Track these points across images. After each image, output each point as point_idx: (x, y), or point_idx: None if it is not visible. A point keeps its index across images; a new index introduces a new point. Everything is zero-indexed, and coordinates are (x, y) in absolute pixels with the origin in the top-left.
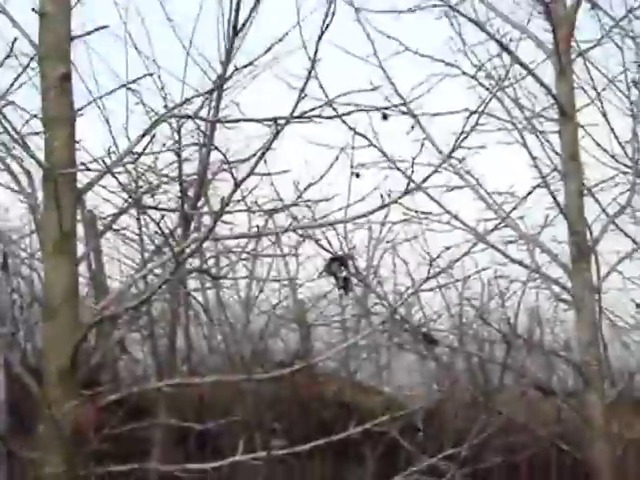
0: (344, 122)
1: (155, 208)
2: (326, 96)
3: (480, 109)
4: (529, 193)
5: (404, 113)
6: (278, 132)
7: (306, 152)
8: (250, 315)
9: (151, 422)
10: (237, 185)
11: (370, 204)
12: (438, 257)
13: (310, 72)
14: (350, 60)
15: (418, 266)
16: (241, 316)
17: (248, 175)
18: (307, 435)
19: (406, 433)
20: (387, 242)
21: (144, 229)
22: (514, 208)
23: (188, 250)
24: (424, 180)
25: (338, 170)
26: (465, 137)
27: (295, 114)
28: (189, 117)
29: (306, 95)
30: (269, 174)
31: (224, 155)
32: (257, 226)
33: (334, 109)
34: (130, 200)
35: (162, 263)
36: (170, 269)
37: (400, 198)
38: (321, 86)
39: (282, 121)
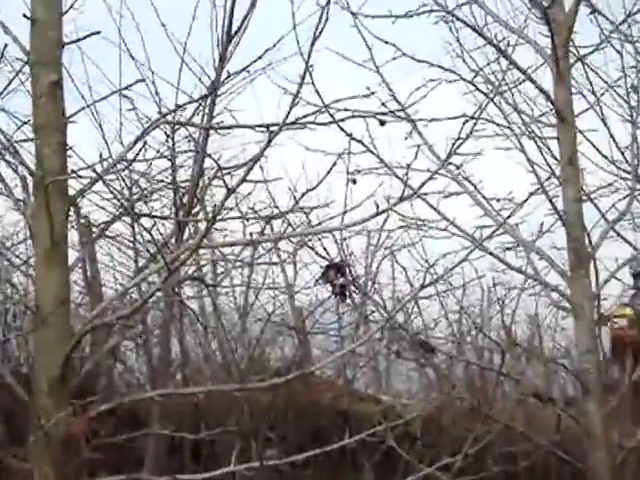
0: (340, 128)
1: (148, 215)
2: (322, 102)
3: (477, 114)
4: (527, 199)
5: (401, 119)
6: (271, 139)
7: (303, 158)
8: (246, 322)
9: (144, 432)
10: (230, 192)
11: (367, 210)
12: (435, 264)
13: (304, 78)
14: (347, 65)
15: (417, 273)
16: (237, 323)
17: (241, 182)
18: (303, 444)
19: (404, 442)
20: (385, 249)
21: (138, 236)
22: (511, 214)
23: (182, 257)
24: (421, 186)
25: (335, 176)
26: (462, 143)
27: (290, 120)
28: (182, 124)
29: (299, 101)
30: (264, 181)
31: (217, 162)
32: (251, 233)
33: (330, 115)
34: (123, 207)
35: (155, 271)
36: (163, 277)
37: (396, 205)
38: (317, 92)
39: (275, 128)
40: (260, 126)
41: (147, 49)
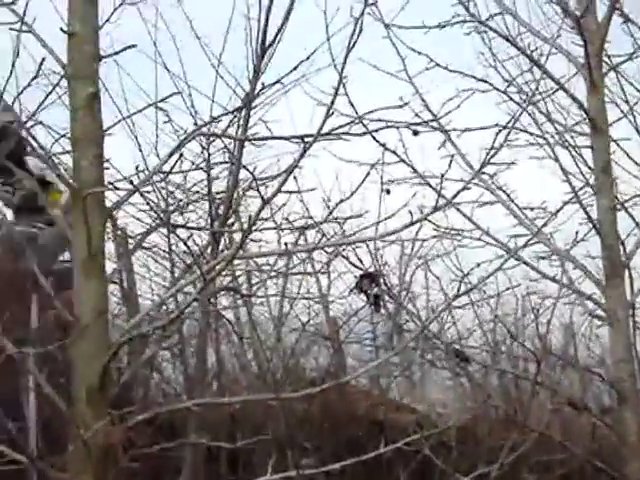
0: (374, 138)
1: (184, 227)
2: (356, 113)
3: (510, 124)
4: (560, 208)
5: (435, 129)
6: (306, 150)
7: (337, 168)
8: (281, 332)
9: (181, 441)
10: (265, 203)
11: (401, 220)
12: (469, 273)
13: (337, 89)
14: (380, 76)
15: (450, 282)
16: (272, 333)
17: (276, 193)
18: (339, 453)
19: (439, 451)
20: (419, 258)
21: (174, 247)
22: (545, 223)
23: (217, 268)
24: (454, 196)
25: (369, 186)
26: (495, 152)
27: (323, 131)
28: (217, 135)
29: (334, 112)
30: (298, 192)
31: (252, 173)
32: (285, 244)
33: (364, 125)
34: (159, 218)
35: (191, 281)
36: (199, 287)
37: (430, 214)
38: (351, 103)
39: (310, 139)
40: (294, 137)
41: (182, 62)
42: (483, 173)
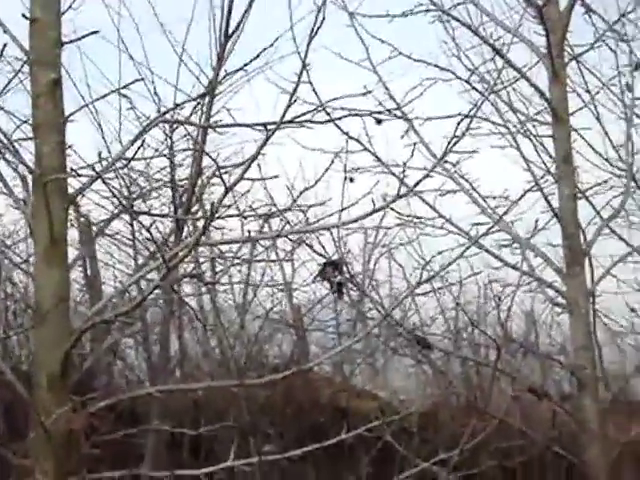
0: (337, 127)
1: (147, 213)
2: (319, 101)
3: (473, 113)
4: (522, 196)
5: (398, 117)
6: (268, 137)
7: (301, 156)
8: (245, 320)
9: (143, 428)
10: (227, 190)
11: (364, 208)
12: (431, 261)
13: (300, 76)
14: (344, 65)
15: (413, 270)
16: (236, 320)
17: (238, 180)
18: (301, 440)
19: (401, 437)
20: (382, 246)
21: (137, 234)
22: (506, 211)
23: (180, 255)
24: (417, 184)
25: (332, 175)
26: (457, 141)
27: (287, 118)
28: (180, 122)
29: (297, 100)
30: (261, 179)
31: (215, 160)
32: (249, 231)
33: (327, 113)
34: (122, 205)
35: (154, 268)
36: (162, 274)
37: (393, 202)
38: (314, 90)
39: (273, 126)
40: (257, 125)
41: (146, 48)
42: (446, 162)
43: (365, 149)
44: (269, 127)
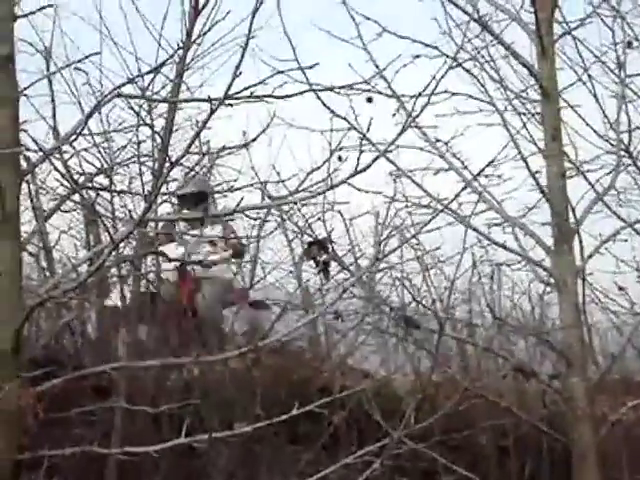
0: (324, 104)
1: (100, 189)
2: (306, 79)
3: (440, 75)
4: (509, 177)
5: (389, 96)
6: (213, 111)
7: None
8: None
9: (101, 405)
10: (172, 165)
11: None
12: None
13: (245, 48)
14: (335, 43)
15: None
16: None
17: (183, 155)
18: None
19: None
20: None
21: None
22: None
23: (124, 232)
24: (389, 145)
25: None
26: (429, 101)
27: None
28: (133, 97)
29: (240, 73)
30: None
31: (159, 135)
32: (205, 209)
33: (314, 91)
34: (75, 183)
35: (105, 247)
36: (107, 252)
37: (367, 168)
38: (302, 69)
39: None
40: (202, 100)
41: (110, 23)
42: (437, 140)
43: (352, 128)
44: (213, 102)
